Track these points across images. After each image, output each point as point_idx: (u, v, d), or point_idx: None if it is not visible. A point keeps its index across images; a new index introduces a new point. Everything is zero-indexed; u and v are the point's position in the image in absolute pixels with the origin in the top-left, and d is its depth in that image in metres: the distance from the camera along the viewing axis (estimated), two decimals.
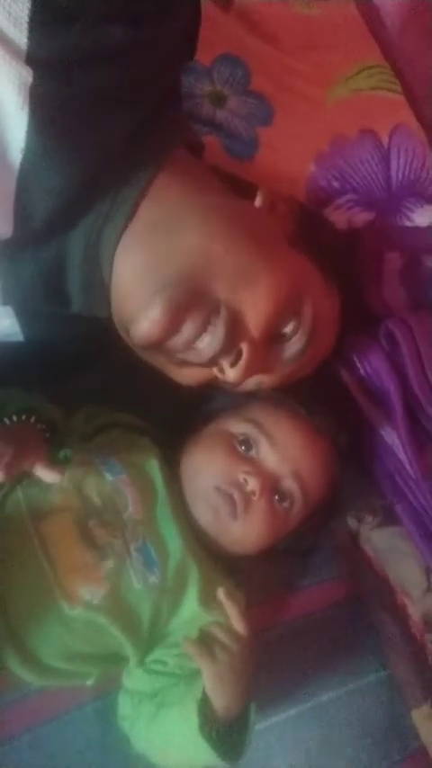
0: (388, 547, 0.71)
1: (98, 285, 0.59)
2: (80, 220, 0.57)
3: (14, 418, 0.60)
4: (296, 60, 0.93)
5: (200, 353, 0.56)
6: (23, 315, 0.64)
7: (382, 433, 0.73)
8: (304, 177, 0.87)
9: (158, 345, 0.56)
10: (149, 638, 0.58)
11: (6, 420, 0.60)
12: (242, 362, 0.57)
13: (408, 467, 0.70)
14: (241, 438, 0.64)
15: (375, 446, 0.74)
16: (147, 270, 0.56)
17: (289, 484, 0.63)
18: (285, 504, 0.63)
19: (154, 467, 0.63)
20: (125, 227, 0.57)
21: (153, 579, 0.58)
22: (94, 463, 0.61)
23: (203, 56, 0.88)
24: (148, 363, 0.64)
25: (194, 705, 0.55)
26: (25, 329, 0.64)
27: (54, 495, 0.58)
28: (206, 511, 0.62)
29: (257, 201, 0.62)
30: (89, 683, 0.58)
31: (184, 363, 0.59)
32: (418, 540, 0.69)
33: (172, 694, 0.58)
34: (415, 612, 0.69)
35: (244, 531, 0.62)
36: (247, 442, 0.64)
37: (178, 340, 0.56)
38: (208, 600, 0.60)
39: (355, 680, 0.67)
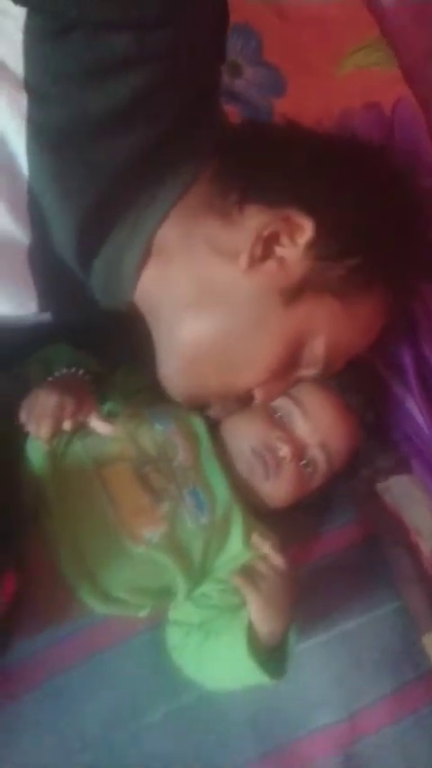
0: (403, 493, 0.78)
1: (117, 298, 0.63)
2: (98, 246, 0.57)
3: (64, 370, 0.64)
4: (303, 33, 0.96)
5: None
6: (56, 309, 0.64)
7: (400, 395, 0.79)
8: None
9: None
10: (200, 574, 0.63)
11: (57, 373, 0.64)
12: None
13: (423, 426, 0.77)
14: (279, 412, 0.69)
15: (395, 410, 0.79)
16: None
17: (316, 453, 0.68)
18: (309, 470, 0.69)
19: (196, 419, 0.68)
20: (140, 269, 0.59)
21: (203, 520, 0.63)
22: (144, 415, 0.66)
23: None
24: None
25: (242, 631, 0.60)
26: (55, 317, 0.65)
27: (111, 444, 0.63)
28: (243, 467, 0.67)
29: (242, 263, 0.57)
30: (142, 614, 0.63)
31: None
32: (426, 481, 0.77)
33: (218, 624, 0.63)
34: (426, 549, 0.77)
35: (274, 490, 0.68)
36: (282, 414, 0.69)
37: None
38: (249, 539, 0.65)
39: (374, 610, 0.74)
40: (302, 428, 0.68)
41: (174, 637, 0.65)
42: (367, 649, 0.73)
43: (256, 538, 0.64)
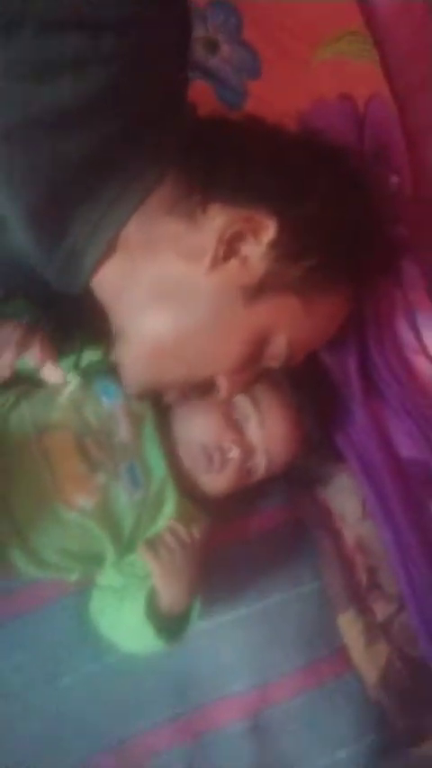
0: (333, 482, 0.82)
1: (75, 287, 0.62)
2: (56, 239, 0.56)
3: (27, 319, 0.64)
4: (286, 16, 0.95)
5: None
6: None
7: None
8: None
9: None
10: (128, 544, 0.66)
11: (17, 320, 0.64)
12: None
13: (356, 412, 0.80)
14: (238, 412, 0.71)
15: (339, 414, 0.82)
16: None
17: (259, 458, 0.71)
18: (251, 470, 0.72)
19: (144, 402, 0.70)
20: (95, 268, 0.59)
21: (137, 496, 0.65)
22: (91, 388, 0.67)
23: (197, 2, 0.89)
24: None
25: (143, 598, 0.64)
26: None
27: (56, 412, 0.65)
28: (188, 457, 0.70)
29: (205, 263, 0.58)
30: (73, 577, 0.66)
31: None
32: (359, 476, 0.80)
33: (133, 590, 0.66)
34: (349, 535, 0.81)
35: (211, 483, 0.71)
36: (242, 411, 0.71)
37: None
38: (179, 516, 0.68)
39: (295, 588, 0.78)
40: (255, 434, 0.70)
41: (96, 600, 0.68)
42: (285, 625, 0.77)
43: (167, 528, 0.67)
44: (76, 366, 0.69)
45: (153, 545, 0.64)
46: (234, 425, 0.70)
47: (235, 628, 0.75)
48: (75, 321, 0.71)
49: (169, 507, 0.67)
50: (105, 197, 0.55)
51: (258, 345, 0.62)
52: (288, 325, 0.62)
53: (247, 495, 0.78)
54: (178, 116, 0.60)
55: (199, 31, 0.88)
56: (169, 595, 0.64)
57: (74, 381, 0.66)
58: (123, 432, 0.66)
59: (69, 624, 0.70)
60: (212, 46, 0.90)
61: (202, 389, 0.66)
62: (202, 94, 0.82)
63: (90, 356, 0.70)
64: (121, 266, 0.58)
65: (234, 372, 0.64)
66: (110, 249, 0.57)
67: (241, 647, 0.75)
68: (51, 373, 0.63)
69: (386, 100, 0.99)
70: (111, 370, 0.69)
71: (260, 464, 0.72)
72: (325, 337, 0.69)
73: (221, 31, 0.90)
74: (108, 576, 0.67)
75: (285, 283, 0.59)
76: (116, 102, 0.50)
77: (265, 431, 0.71)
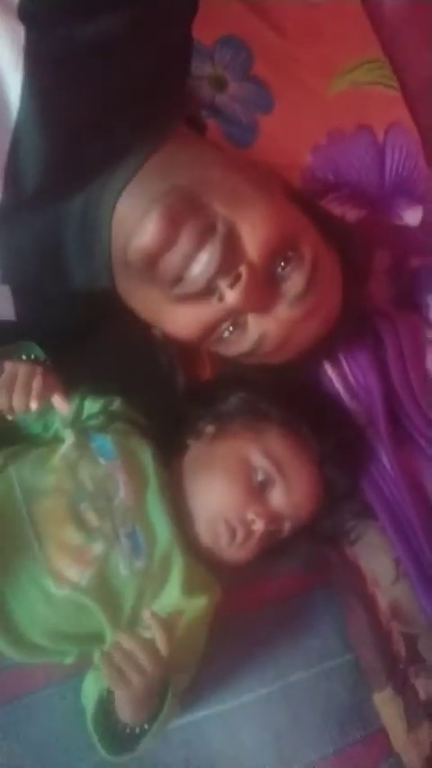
0: (362, 539, 0.74)
1: (98, 252, 0.59)
2: (74, 189, 0.57)
3: (32, 357, 0.62)
4: (299, 48, 0.92)
5: (197, 277, 0.56)
6: (19, 294, 0.63)
7: (374, 444, 0.75)
8: (300, 168, 0.88)
9: (155, 260, 0.55)
10: (129, 621, 0.59)
11: (24, 357, 0.62)
12: (242, 282, 0.55)
13: (385, 462, 0.73)
14: (261, 476, 0.64)
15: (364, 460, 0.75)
16: (144, 194, 0.56)
17: (286, 525, 0.65)
18: (273, 533, 0.64)
19: (147, 455, 0.64)
20: (122, 190, 0.57)
21: (139, 564, 0.59)
22: (87, 447, 0.61)
23: (205, 35, 0.87)
24: (147, 338, 0.65)
25: (98, 692, 0.57)
26: (19, 309, 0.64)
27: (47, 475, 0.59)
28: (207, 532, 0.63)
29: None
30: (68, 661, 0.59)
31: (181, 299, 0.58)
32: (390, 533, 0.72)
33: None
34: (383, 601, 0.72)
35: (235, 556, 0.64)
36: (264, 483, 0.64)
37: (175, 255, 0.55)
38: (190, 588, 0.61)
39: (322, 662, 0.70)
40: (280, 502, 0.64)
41: (87, 682, 0.60)
42: (311, 705, 0.68)
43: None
44: (77, 418, 0.64)
45: (118, 656, 0.53)
46: (257, 495, 0.63)
47: (253, 711, 0.67)
48: (80, 368, 0.67)
49: (175, 577, 0.60)
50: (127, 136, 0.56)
51: (290, 235, 0.58)
52: (313, 240, 0.61)
53: (267, 557, 0.71)
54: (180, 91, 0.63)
55: (205, 70, 0.86)
56: (129, 713, 0.55)
57: (68, 440, 0.61)
58: (123, 493, 0.60)
59: (67, 711, 0.62)
60: (220, 83, 0.87)
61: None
62: (209, 131, 0.79)
63: (90, 407, 0.65)
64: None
65: (264, 251, 0.57)
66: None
67: (262, 731, 0.67)
68: (60, 403, 0.59)
69: (407, 127, 0.94)
70: (108, 425, 0.64)
71: (285, 529, 0.65)
72: (336, 295, 0.65)
73: (229, 69, 0.87)
74: None
75: (306, 211, 0.62)
76: (138, 48, 0.54)
77: (291, 497, 0.64)
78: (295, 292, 0.59)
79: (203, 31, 0.86)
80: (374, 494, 0.72)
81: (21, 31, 0.49)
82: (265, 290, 0.58)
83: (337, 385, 0.76)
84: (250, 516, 0.62)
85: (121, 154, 0.58)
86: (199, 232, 0.54)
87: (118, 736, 0.56)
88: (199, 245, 0.55)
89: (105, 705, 0.56)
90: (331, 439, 0.67)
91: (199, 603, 0.60)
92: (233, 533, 0.62)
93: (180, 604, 0.60)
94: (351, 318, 0.70)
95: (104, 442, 0.62)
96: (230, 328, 0.61)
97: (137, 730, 0.56)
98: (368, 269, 0.80)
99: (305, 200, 0.65)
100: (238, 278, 0.56)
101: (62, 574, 0.56)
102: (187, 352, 0.77)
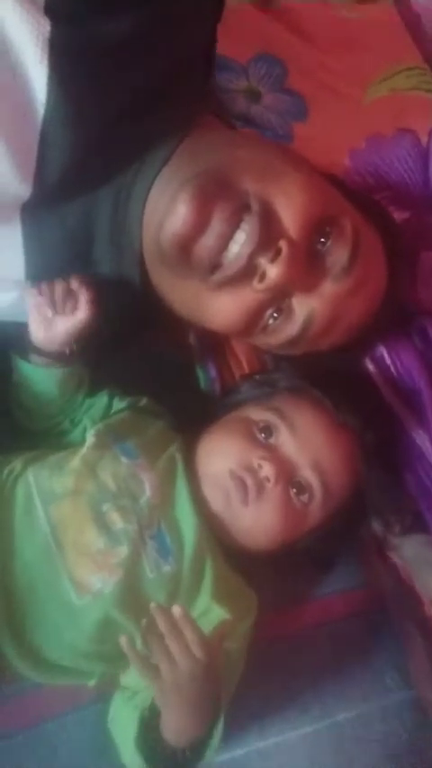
0: (416, 555, 0.66)
1: (128, 246, 0.58)
2: (104, 183, 0.56)
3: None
4: (334, 60, 0.92)
5: (235, 257, 0.53)
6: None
7: (413, 435, 0.69)
8: (338, 172, 0.85)
9: (190, 245, 0.53)
10: None
11: None
12: (283, 255, 0.52)
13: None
14: (262, 425, 0.60)
15: (406, 449, 0.69)
16: (173, 180, 0.54)
17: (308, 475, 0.59)
18: (303, 498, 0.59)
19: (173, 450, 0.61)
20: (153, 181, 0.55)
21: (167, 568, 0.54)
22: (109, 446, 0.59)
23: (239, 54, 0.88)
24: (176, 337, 0.63)
25: (138, 712, 0.50)
26: None
27: (66, 477, 0.56)
28: (218, 495, 0.58)
29: None
30: (91, 683, 0.54)
31: (222, 286, 0.55)
32: None
33: (147, 695, 0.52)
34: None
35: (255, 520, 0.58)
36: (267, 429, 0.60)
37: (209, 238, 0.52)
38: (221, 594, 0.55)
39: (377, 699, 0.62)
40: (290, 446, 0.59)
41: (115, 705, 0.55)
42: (364, 747, 0.60)
43: (177, 611, 0.49)
44: (105, 413, 0.63)
45: (155, 649, 0.47)
46: (260, 442, 0.59)
47: (295, 750, 0.59)
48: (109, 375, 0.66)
49: (208, 580, 0.55)
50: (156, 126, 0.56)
51: (329, 207, 0.55)
52: (353, 215, 0.57)
53: (311, 565, 0.65)
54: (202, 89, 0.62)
55: (240, 84, 0.87)
56: (171, 721, 0.49)
57: (90, 440, 0.58)
58: (150, 491, 0.56)
59: (86, 740, 0.56)
60: (255, 96, 0.87)
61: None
62: None
63: (118, 404, 0.63)
64: None
65: (302, 224, 0.53)
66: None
67: None
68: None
69: None
70: (132, 426, 0.61)
71: (312, 482, 0.58)
72: (380, 273, 0.62)
73: (264, 82, 0.88)
74: (130, 675, 0.55)
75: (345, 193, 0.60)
76: (176, 35, 0.53)
77: (301, 438, 0.59)
78: (340, 266, 0.56)
79: (238, 51, 0.87)
80: (427, 506, 0.65)
81: (46, 24, 0.49)
82: (307, 265, 0.55)
83: (378, 379, 0.71)
84: (256, 462, 0.57)
85: (149, 145, 0.57)
86: (232, 211, 0.52)
87: (162, 758, 0.49)
88: (233, 224, 0.52)
89: (148, 722, 0.50)
90: (349, 405, 0.62)
91: (232, 615, 0.54)
92: (243, 486, 0.57)
93: (212, 611, 0.54)
94: (395, 306, 0.66)
95: (127, 444, 0.59)
96: (275, 314, 0.58)
97: (184, 754, 0.50)
98: (409, 251, 0.75)
99: (340, 181, 0.63)
100: (278, 252, 0.52)
101: (84, 582, 0.52)
102: (223, 359, 0.75)
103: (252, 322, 0.58)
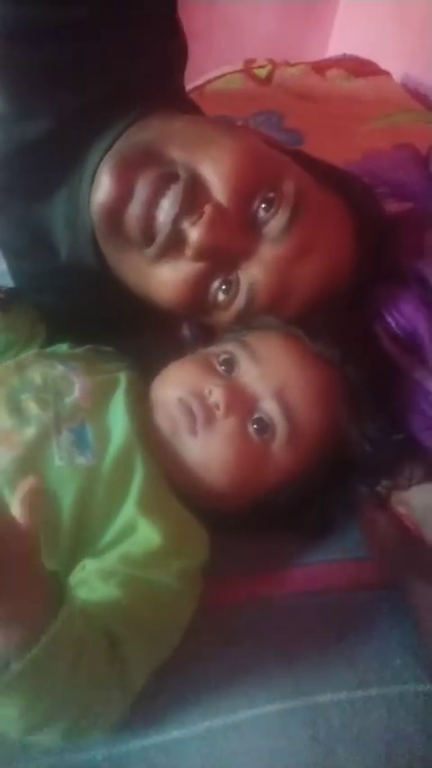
0: (425, 504, 0.52)
1: (81, 227, 0.59)
2: (59, 175, 0.59)
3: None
4: (332, 108, 1.00)
5: (161, 224, 0.52)
6: (14, 258, 0.66)
7: (417, 376, 0.59)
8: None
9: (119, 217, 0.53)
10: (70, 539, 0.45)
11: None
12: (204, 218, 0.51)
13: None
14: (223, 357, 0.54)
15: (410, 396, 0.59)
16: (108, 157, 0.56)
17: (269, 407, 0.51)
18: (265, 436, 0.50)
19: (119, 374, 0.56)
20: (99, 163, 0.57)
21: (81, 460, 0.47)
22: (48, 357, 0.56)
23: (238, 114, 0.98)
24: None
25: None
26: (13, 272, 0.67)
27: None
28: (165, 422, 0.51)
29: None
30: None
31: (158, 258, 0.54)
32: None
33: None
34: None
35: (204, 453, 0.50)
36: (228, 362, 0.54)
37: (135, 206, 0.52)
38: (150, 508, 0.46)
39: (377, 686, 0.44)
40: (250, 374, 0.52)
41: None
42: (352, 741, 0.41)
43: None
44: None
45: None
46: (217, 371, 0.52)
47: (270, 727, 0.42)
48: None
49: (135, 488, 0.47)
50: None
51: (265, 170, 0.54)
52: (299, 177, 0.55)
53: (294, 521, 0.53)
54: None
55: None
56: None
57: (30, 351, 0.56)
58: (79, 393, 0.51)
59: None
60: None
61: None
62: None
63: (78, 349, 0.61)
64: None
65: (231, 189, 0.52)
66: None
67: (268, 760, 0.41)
68: None
69: None
70: (82, 356, 0.58)
71: (274, 416, 0.50)
72: (339, 237, 0.58)
73: (262, 127, 0.96)
74: None
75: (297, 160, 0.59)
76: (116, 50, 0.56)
77: (264, 365, 0.51)
78: (277, 229, 0.54)
79: (238, 111, 0.97)
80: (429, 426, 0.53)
81: None
82: (236, 228, 0.53)
83: (385, 342, 0.63)
84: (207, 389, 0.50)
85: (99, 136, 0.58)
86: (156, 177, 0.52)
87: None
88: (158, 191, 0.52)
89: None
90: (329, 339, 0.54)
91: (164, 540, 0.45)
92: (189, 412, 0.49)
93: (134, 521, 0.45)
94: (377, 269, 0.61)
95: (70, 363, 0.55)
96: (223, 287, 0.56)
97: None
98: (414, 229, 0.71)
99: (293, 150, 0.62)
100: (201, 216, 0.52)
101: None
102: None
103: (197, 296, 0.56)
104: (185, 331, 0.72)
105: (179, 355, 0.71)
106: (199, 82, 1.05)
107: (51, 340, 0.63)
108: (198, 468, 0.50)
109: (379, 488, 0.54)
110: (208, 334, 0.70)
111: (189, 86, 0.87)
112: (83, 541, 0.45)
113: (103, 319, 0.64)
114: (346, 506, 0.54)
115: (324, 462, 0.52)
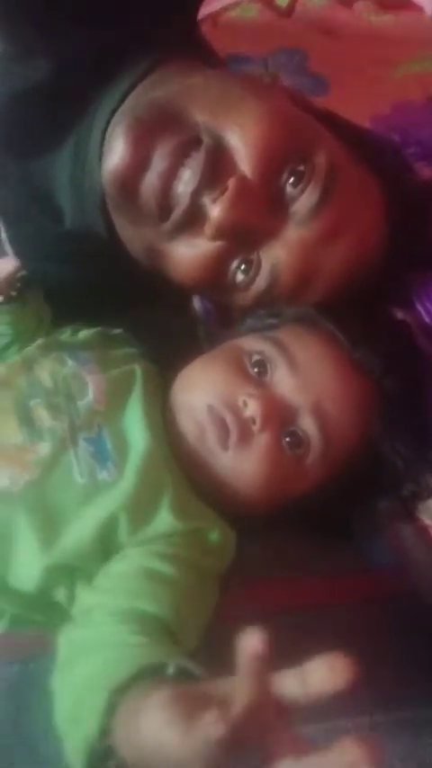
0: None
1: (89, 192, 0.54)
2: (65, 128, 0.55)
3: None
4: (359, 48, 0.91)
5: (180, 197, 0.47)
6: (14, 222, 0.61)
7: None
8: None
9: (133, 186, 0.48)
10: (103, 551, 0.43)
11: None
12: (227, 194, 0.46)
13: None
14: (256, 358, 0.50)
15: None
16: (121, 115, 0.51)
17: (306, 422, 0.47)
18: (298, 452, 0.48)
19: (134, 366, 0.52)
20: (110, 119, 0.53)
21: (104, 475, 0.44)
22: (57, 349, 0.52)
23: (256, 51, 0.89)
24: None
25: (106, 691, 0.31)
26: (13, 238, 0.61)
27: None
28: (192, 428, 0.48)
29: None
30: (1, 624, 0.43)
31: (175, 233, 0.50)
32: None
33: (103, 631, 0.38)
34: None
35: (234, 468, 0.47)
36: (262, 364, 0.50)
37: (152, 176, 0.47)
38: (184, 513, 0.45)
39: (397, 710, 0.44)
40: (287, 385, 0.48)
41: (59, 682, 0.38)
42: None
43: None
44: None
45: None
46: (252, 378, 0.49)
47: None
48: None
49: (167, 499, 0.45)
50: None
51: (296, 140, 0.49)
52: (332, 148, 0.50)
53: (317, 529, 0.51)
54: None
55: (257, 70, 0.87)
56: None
57: (37, 342, 0.51)
58: (93, 395, 0.48)
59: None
60: (273, 80, 0.86)
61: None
62: None
63: (84, 333, 0.56)
64: None
65: (258, 159, 0.47)
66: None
67: None
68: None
69: None
70: (93, 343, 0.54)
71: (310, 431, 0.47)
72: (372, 218, 0.53)
73: (284, 69, 0.87)
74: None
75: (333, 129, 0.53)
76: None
77: (301, 375, 0.48)
78: (307, 208, 0.48)
79: (255, 49, 0.88)
80: None
81: None
82: (261, 206, 0.48)
83: (415, 330, 0.60)
84: (241, 399, 0.47)
85: (108, 86, 0.54)
86: (176, 145, 0.47)
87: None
88: (178, 160, 0.47)
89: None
90: (370, 345, 0.51)
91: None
92: (222, 426, 0.46)
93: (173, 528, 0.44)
94: (412, 253, 0.56)
95: (81, 352, 0.52)
96: (243, 267, 0.51)
97: None
98: (416, 187, 0.65)
99: (324, 113, 0.56)
100: (224, 191, 0.47)
101: None
102: None
103: (214, 276, 0.51)
104: (197, 305, 0.68)
105: (192, 334, 0.68)
106: (210, 9, 0.94)
107: (57, 318, 0.59)
108: (225, 479, 0.48)
109: (404, 492, 0.52)
110: (222, 311, 0.66)
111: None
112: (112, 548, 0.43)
113: (112, 292, 0.60)
114: (370, 515, 0.52)
115: (352, 473, 0.50)
